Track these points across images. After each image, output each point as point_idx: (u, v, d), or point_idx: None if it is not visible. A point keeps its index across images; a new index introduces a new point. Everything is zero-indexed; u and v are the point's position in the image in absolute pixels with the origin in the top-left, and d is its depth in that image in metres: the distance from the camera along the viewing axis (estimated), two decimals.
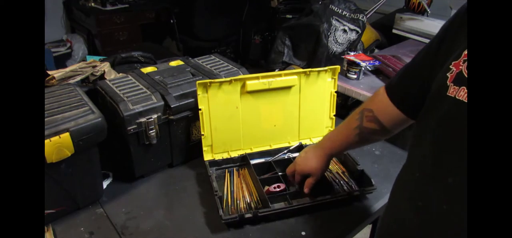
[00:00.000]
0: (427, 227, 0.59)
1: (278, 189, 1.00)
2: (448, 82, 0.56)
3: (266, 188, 1.01)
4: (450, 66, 0.57)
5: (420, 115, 0.66)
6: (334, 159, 1.16)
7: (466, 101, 0.52)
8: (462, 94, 0.53)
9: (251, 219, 0.92)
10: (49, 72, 1.13)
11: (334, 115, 1.22)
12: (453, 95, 0.55)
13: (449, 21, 0.66)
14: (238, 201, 0.99)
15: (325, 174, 1.04)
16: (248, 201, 0.99)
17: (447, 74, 0.57)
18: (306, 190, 0.97)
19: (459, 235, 0.53)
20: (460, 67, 0.55)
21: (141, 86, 1.08)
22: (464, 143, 0.50)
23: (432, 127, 0.60)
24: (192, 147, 1.15)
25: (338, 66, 1.14)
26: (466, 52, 0.55)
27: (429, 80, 0.64)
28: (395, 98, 0.77)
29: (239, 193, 1.02)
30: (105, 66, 1.25)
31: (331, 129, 1.23)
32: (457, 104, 0.54)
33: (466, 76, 0.53)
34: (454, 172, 0.54)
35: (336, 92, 1.18)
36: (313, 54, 2.37)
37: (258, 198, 0.99)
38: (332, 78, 1.16)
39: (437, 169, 0.58)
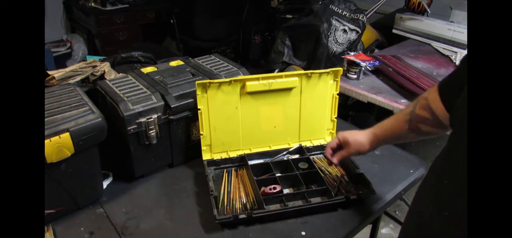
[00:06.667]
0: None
1: (274, 191, 0.99)
2: None
3: (263, 189, 1.01)
4: None
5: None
6: None
7: None
8: None
9: (245, 220, 0.92)
10: (49, 72, 1.13)
11: (336, 117, 1.21)
12: None
13: None
14: (234, 201, 0.99)
15: (323, 176, 1.04)
16: (244, 202, 0.99)
17: None
18: (335, 160, 0.96)
19: None
20: None
21: (141, 86, 1.08)
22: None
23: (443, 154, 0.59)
24: (192, 147, 1.15)
25: (340, 69, 1.13)
26: None
27: None
28: (443, 97, 0.73)
29: (236, 193, 1.02)
30: (105, 66, 1.25)
31: (333, 132, 1.22)
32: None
33: None
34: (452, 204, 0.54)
35: (337, 94, 1.18)
36: (313, 54, 2.37)
37: (254, 199, 0.99)
38: (334, 80, 1.16)
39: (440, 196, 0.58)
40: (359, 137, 0.93)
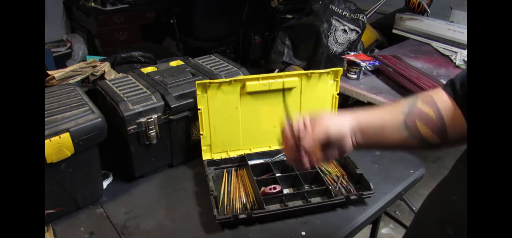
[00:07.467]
0: None
1: (274, 191, 0.99)
2: None
3: (263, 189, 1.01)
4: None
5: None
6: (334, 161, 1.14)
7: None
8: None
9: (245, 220, 0.92)
10: (49, 72, 1.13)
11: None
12: None
13: None
14: (234, 202, 0.99)
15: (323, 177, 1.04)
16: (244, 202, 0.99)
17: None
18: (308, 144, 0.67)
19: None
20: None
21: (141, 86, 1.08)
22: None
23: None
24: (192, 147, 1.15)
25: (340, 69, 1.13)
26: None
27: None
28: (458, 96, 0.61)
29: (236, 193, 1.02)
30: (105, 66, 1.25)
31: None
32: None
33: None
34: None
35: (337, 94, 1.17)
36: (313, 54, 2.37)
37: (254, 199, 0.99)
38: (334, 80, 1.15)
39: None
40: (332, 118, 0.67)
